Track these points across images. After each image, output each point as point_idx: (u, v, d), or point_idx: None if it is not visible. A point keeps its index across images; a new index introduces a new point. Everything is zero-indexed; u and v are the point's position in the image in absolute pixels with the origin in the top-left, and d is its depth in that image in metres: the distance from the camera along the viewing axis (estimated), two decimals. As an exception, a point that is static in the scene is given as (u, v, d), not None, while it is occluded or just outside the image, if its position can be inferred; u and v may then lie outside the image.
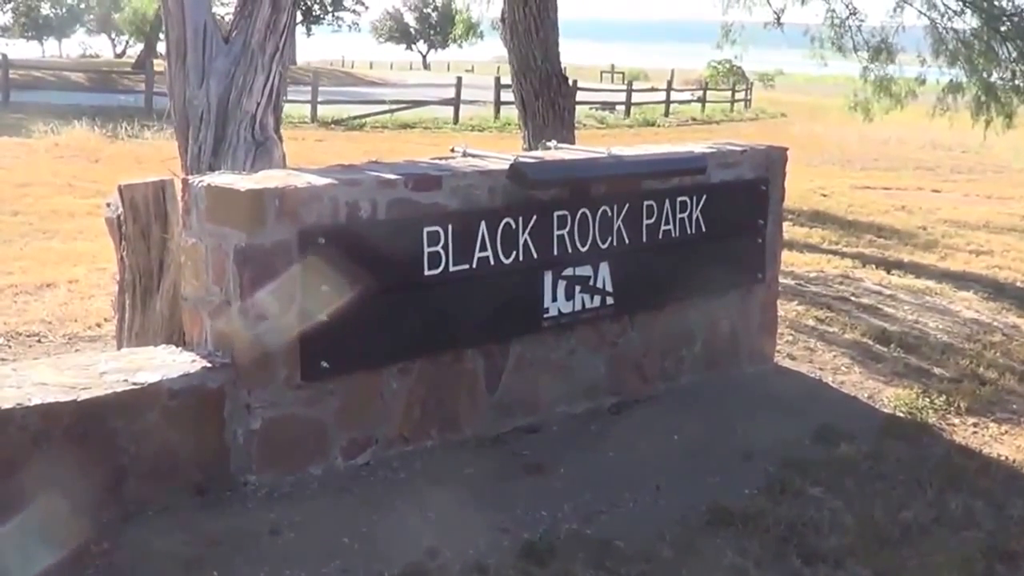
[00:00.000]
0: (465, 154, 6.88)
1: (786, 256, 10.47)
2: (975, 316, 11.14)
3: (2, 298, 10.19)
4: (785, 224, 9.28)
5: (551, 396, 6.86)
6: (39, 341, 8.89)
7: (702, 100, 54.97)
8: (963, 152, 30.89)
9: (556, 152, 7.57)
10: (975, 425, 7.77)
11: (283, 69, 7.92)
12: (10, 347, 8.66)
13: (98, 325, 9.23)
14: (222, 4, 35.53)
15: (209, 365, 5.39)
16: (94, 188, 17.15)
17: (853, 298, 11.35)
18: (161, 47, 61.75)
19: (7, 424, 4.71)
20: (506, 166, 6.41)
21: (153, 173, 7.09)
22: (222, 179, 5.57)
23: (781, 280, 9.13)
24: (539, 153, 7.69)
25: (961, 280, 12.85)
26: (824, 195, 20.60)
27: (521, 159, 6.75)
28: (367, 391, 5.86)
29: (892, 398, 8.17)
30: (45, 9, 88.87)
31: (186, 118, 7.70)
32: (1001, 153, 27.69)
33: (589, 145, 9.01)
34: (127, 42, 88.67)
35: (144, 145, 24.29)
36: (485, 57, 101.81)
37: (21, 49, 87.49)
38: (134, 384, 5.11)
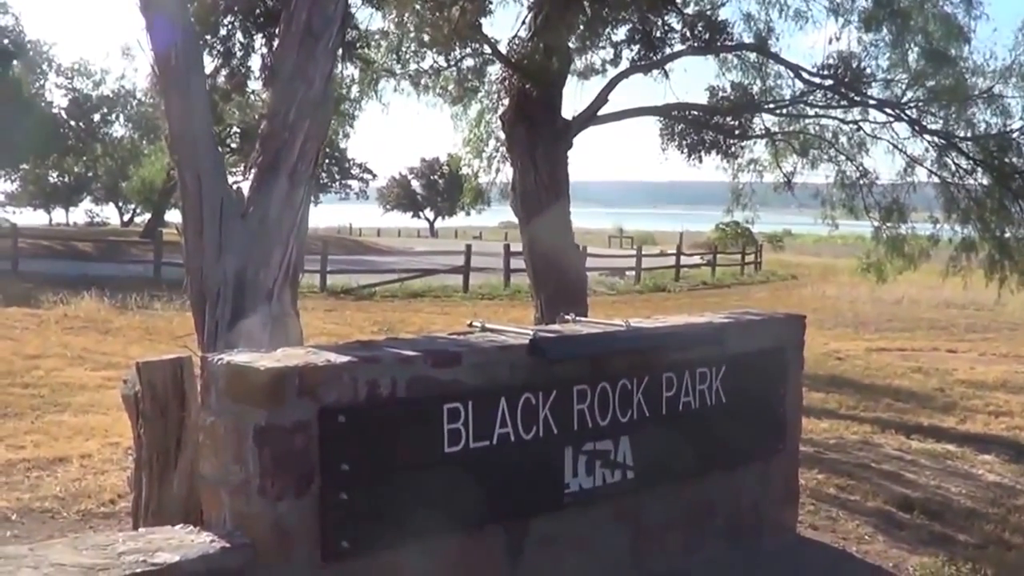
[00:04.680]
0: (483, 329, 6.86)
1: (804, 423, 10.38)
2: (998, 480, 11.05)
3: (15, 473, 10.13)
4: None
5: (573, 572, 6.73)
6: (52, 518, 8.80)
7: (712, 264, 55.12)
8: (977, 310, 30.96)
9: (574, 326, 7.55)
10: (1002, 592, 7.68)
11: (300, 243, 7.94)
12: (23, 523, 8.59)
13: (112, 502, 9.15)
14: (232, 173, 35.94)
15: (228, 545, 5.28)
16: (105, 360, 17.19)
17: (874, 465, 11.25)
18: (169, 216, 62.67)
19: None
20: (525, 341, 6.39)
21: (164, 345, 7.11)
22: (241, 357, 5.53)
23: (800, 448, 9.06)
24: (557, 327, 7.66)
25: (981, 443, 12.79)
26: (839, 359, 20.60)
27: (541, 334, 6.73)
28: (387, 570, 5.74)
29: (917, 567, 8.08)
30: (52, 178, 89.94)
31: (203, 293, 7.71)
32: (1015, 311, 27.71)
33: (605, 317, 9.00)
34: (134, 210, 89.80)
35: (154, 316, 24.42)
36: (492, 223, 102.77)
37: (28, 217, 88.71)
38: (153, 565, 5.01)
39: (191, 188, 7.74)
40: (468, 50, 16.00)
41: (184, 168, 7.79)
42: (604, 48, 16.12)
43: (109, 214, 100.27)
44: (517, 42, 15.37)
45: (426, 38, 15.47)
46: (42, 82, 63.55)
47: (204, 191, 7.69)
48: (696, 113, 17.35)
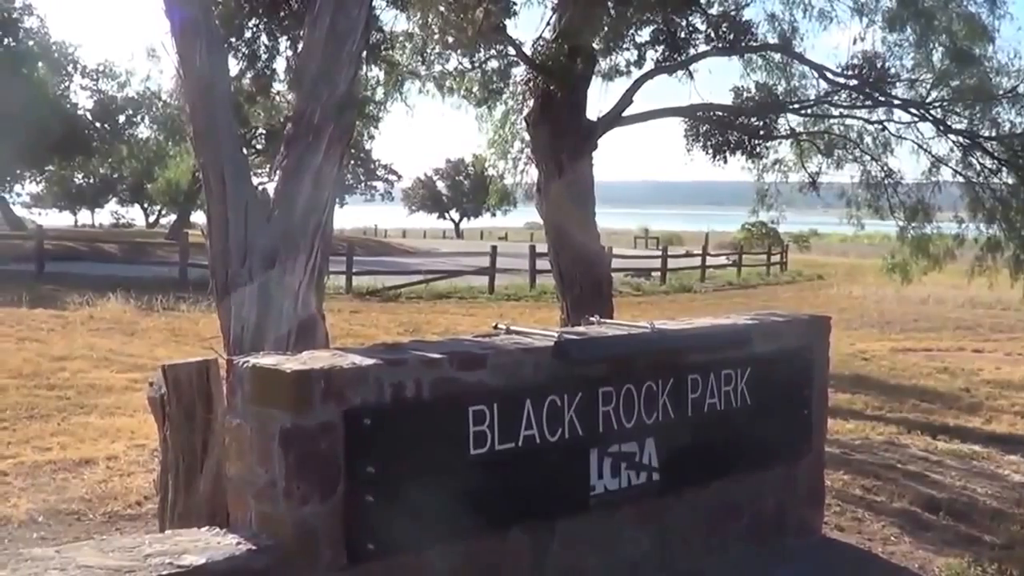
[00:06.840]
0: (508, 331, 6.85)
1: (830, 423, 10.37)
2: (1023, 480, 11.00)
3: (41, 475, 10.16)
4: (827, 391, 9.21)
5: (598, 573, 6.74)
6: (79, 519, 8.84)
7: (738, 264, 54.89)
8: (1003, 310, 30.80)
9: (599, 327, 7.55)
10: (1028, 593, 7.64)
11: (325, 245, 7.96)
12: (50, 525, 8.62)
13: (138, 504, 9.18)
14: (257, 175, 36.03)
15: (254, 547, 5.28)
16: (131, 362, 17.22)
17: (899, 465, 11.22)
18: (195, 217, 62.79)
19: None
20: (550, 343, 6.40)
21: (190, 347, 7.12)
22: (267, 360, 5.54)
23: (826, 448, 9.05)
24: (582, 329, 7.65)
25: (1008, 443, 12.74)
26: (865, 359, 20.54)
27: (566, 336, 6.74)
28: (413, 572, 5.76)
29: (943, 568, 8.05)
30: (77, 179, 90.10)
31: (228, 296, 7.72)
32: (1042, 311, 27.57)
33: (630, 318, 9.01)
34: (160, 212, 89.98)
35: (180, 318, 24.46)
36: (518, 223, 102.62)
37: (53, 219, 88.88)
38: (179, 567, 5.02)
39: (216, 190, 7.77)
40: (492, 52, 16.00)
41: (209, 170, 7.82)
42: (628, 49, 16.09)
43: (135, 215, 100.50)
44: (541, 43, 15.36)
45: (450, 40, 15.46)
46: (67, 84, 63.58)
47: (229, 193, 7.72)
48: (721, 114, 17.32)
